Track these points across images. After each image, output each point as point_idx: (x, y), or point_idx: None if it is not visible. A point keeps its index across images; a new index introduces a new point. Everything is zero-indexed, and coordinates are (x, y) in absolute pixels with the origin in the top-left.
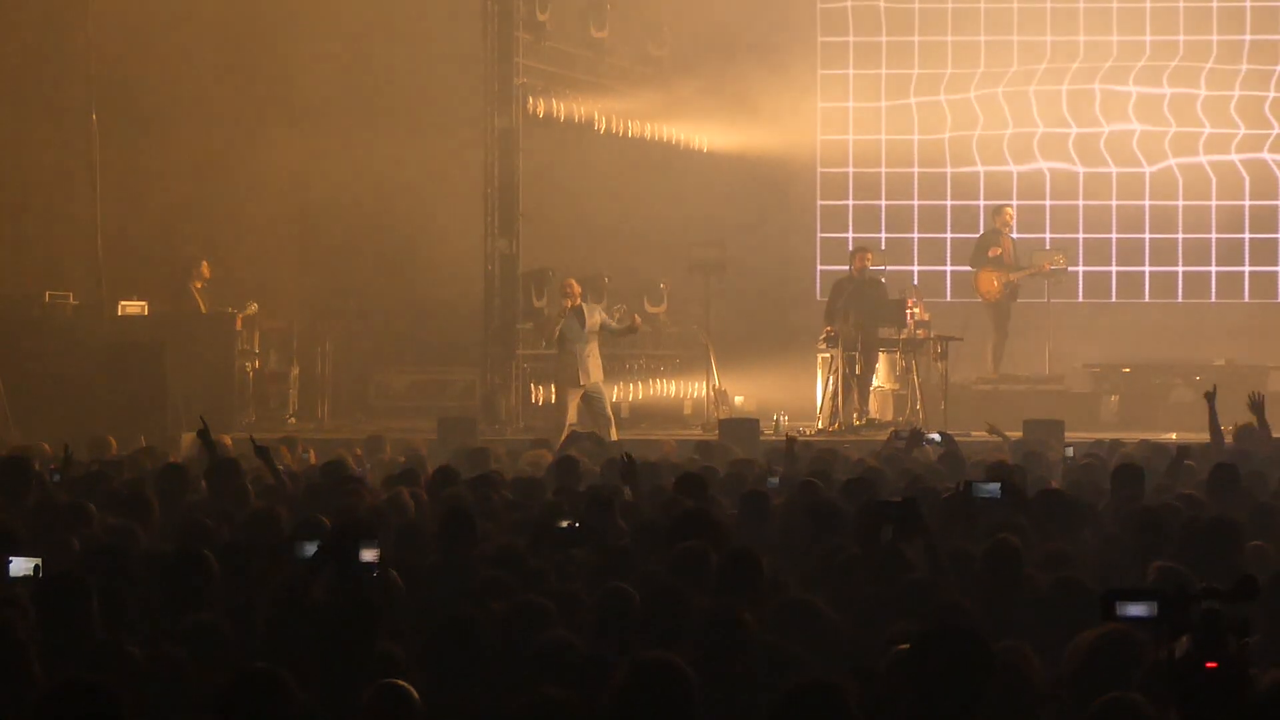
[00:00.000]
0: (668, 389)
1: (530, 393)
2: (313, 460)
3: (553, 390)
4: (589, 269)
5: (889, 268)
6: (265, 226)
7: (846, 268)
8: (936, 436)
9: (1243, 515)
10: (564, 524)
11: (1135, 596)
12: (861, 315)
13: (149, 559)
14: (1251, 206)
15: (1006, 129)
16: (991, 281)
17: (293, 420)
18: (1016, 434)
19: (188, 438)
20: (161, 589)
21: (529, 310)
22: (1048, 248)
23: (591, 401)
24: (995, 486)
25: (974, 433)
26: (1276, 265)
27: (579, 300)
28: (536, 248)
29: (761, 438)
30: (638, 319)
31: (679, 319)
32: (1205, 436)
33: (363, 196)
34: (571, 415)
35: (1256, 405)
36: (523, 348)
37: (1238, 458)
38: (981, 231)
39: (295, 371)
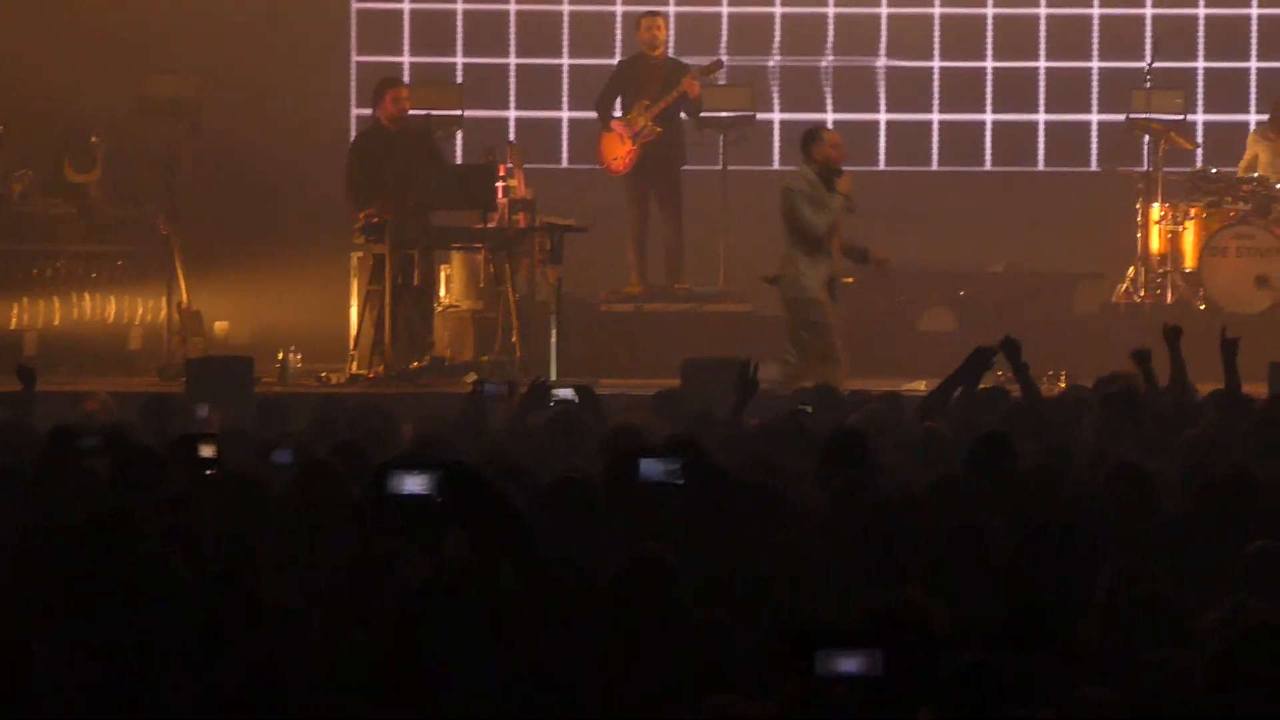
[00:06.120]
0: (102, 310)
1: None
2: None
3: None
4: None
5: (470, 113)
6: None
7: (371, 114)
8: (568, 392)
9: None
10: None
11: (848, 642)
12: (420, 190)
13: None
14: (1050, 16)
15: None
16: (616, 144)
17: None
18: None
19: None
20: None
21: None
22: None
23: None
24: (673, 466)
25: (604, 380)
26: (1090, 111)
27: None
28: None
29: (258, 389)
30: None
31: (122, 194)
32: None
33: None
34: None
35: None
36: None
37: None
38: (618, 59)
39: None
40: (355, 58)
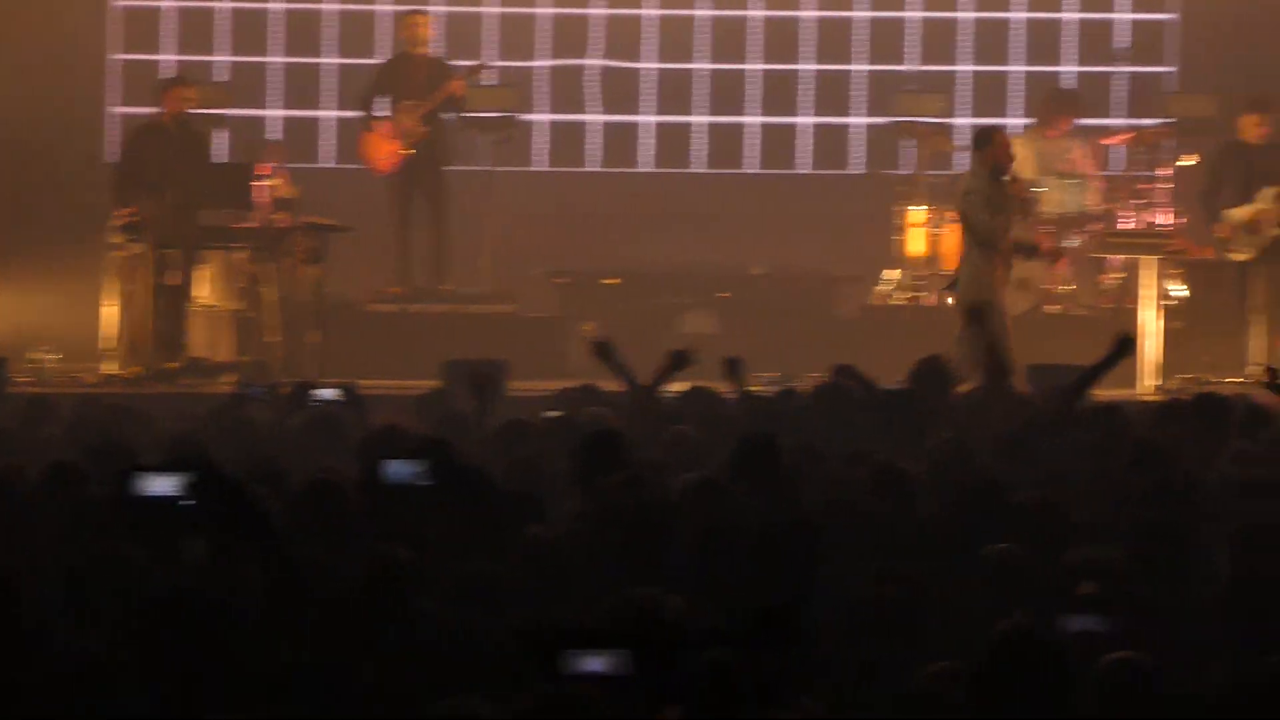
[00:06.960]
0: None
1: None
2: None
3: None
4: None
5: (232, 111)
6: None
7: (156, 110)
8: (330, 393)
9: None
10: None
11: (594, 641)
12: (180, 190)
13: None
14: (816, 19)
15: None
16: (382, 143)
17: None
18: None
19: None
20: None
21: None
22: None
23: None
24: (421, 468)
25: (367, 381)
26: (853, 114)
27: None
28: None
29: (11, 389)
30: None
31: None
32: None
33: None
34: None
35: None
36: None
37: None
38: (380, 60)
39: None
40: (114, 55)
